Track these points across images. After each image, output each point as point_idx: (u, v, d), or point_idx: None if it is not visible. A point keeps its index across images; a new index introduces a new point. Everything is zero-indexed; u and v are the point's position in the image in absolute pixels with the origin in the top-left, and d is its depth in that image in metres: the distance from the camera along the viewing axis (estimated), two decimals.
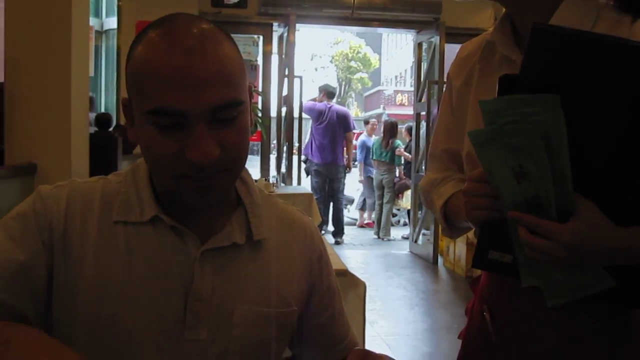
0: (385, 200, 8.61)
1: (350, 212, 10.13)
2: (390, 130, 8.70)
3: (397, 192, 8.74)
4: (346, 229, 8.60)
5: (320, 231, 7.21)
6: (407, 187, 8.53)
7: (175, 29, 0.86)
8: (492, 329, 1.18)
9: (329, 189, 8.10)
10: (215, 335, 0.96)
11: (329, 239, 8.06)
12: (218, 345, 0.96)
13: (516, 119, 0.86)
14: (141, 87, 0.86)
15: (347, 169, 8.31)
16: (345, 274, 2.31)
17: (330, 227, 8.48)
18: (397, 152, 8.52)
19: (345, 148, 8.14)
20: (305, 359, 1.13)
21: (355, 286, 2.32)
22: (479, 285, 1.29)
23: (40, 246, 0.91)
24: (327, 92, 8.06)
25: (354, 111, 38.18)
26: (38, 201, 0.95)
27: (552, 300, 0.98)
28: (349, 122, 8.09)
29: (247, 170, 1.05)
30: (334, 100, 8.28)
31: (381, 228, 8.62)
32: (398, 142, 8.72)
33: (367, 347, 2.49)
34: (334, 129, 7.93)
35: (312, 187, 8.03)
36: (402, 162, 8.62)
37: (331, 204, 8.25)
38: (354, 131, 8.61)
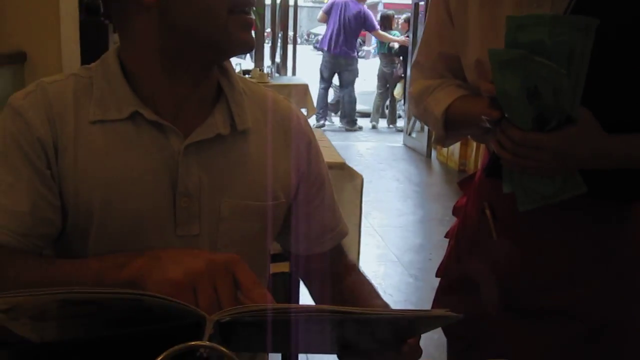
0: (380, 91, 8.68)
1: None
2: (386, 21, 8.58)
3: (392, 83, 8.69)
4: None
5: (321, 120, 7.24)
6: (399, 78, 8.45)
7: None
8: (494, 226, 1.16)
9: (339, 80, 8.28)
10: (206, 230, 0.96)
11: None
12: (209, 240, 0.96)
13: (542, 38, 0.87)
14: None
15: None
16: (342, 167, 2.32)
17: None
18: (377, 37, 8.41)
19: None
20: (293, 249, 1.12)
21: (352, 179, 2.33)
22: (473, 183, 1.28)
23: (37, 171, 0.89)
24: None
25: None
26: (17, 119, 0.90)
27: (523, 206, 1.04)
28: (370, 22, 8.05)
29: (228, 60, 1.02)
30: None
31: (371, 117, 8.74)
32: (395, 32, 8.55)
33: (361, 238, 2.53)
34: (351, 24, 7.91)
35: (321, 76, 8.24)
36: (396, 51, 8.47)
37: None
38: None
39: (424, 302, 3.33)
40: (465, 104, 1.14)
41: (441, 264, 1.35)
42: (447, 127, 1.19)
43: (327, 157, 2.41)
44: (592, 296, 1.10)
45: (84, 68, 0.97)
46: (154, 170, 0.92)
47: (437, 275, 1.35)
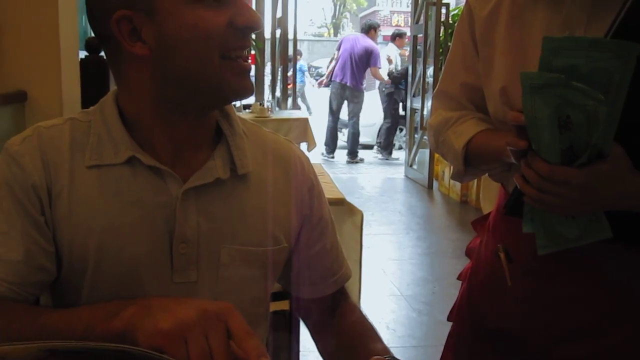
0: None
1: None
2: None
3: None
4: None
5: (331, 154, 7.36)
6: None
7: None
8: (508, 271, 1.09)
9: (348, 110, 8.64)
10: (204, 277, 0.94)
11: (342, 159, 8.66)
12: (208, 287, 0.94)
13: (578, 63, 0.81)
14: None
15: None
16: (342, 202, 2.31)
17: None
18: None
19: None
20: (294, 292, 1.11)
21: (352, 214, 2.31)
22: (487, 224, 1.23)
23: (30, 218, 0.88)
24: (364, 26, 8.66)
25: (348, 31, 37.38)
26: (12, 165, 0.89)
27: (543, 249, 0.98)
28: (374, 58, 8.42)
29: None
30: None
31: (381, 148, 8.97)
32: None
33: (363, 272, 2.49)
34: (359, 58, 8.34)
35: (330, 108, 8.66)
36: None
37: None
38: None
39: (429, 337, 3.29)
40: (487, 137, 1.10)
41: (453, 307, 1.31)
42: (467, 162, 1.15)
43: (327, 193, 2.41)
44: (608, 351, 1.03)
45: (83, 112, 0.97)
46: (150, 216, 0.91)
47: (448, 319, 1.31)
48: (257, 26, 0.88)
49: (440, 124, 1.21)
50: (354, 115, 8.57)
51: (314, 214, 1.06)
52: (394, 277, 4.16)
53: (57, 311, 0.84)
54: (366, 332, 1.05)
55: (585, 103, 0.82)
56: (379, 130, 9.20)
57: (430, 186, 6.85)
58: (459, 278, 1.33)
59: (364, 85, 8.66)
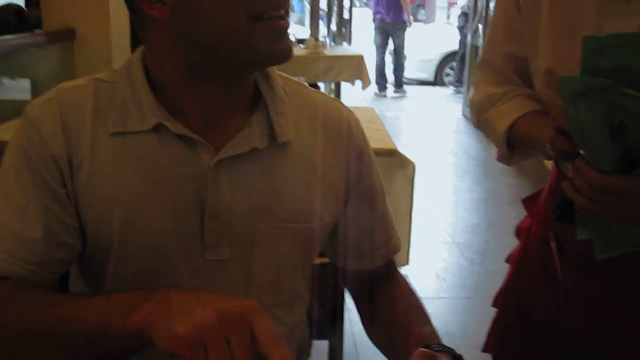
0: None
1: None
2: None
3: None
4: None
5: (382, 91, 7.19)
6: None
7: None
8: (559, 264, 1.00)
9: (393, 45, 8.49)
10: (238, 254, 0.87)
11: (389, 92, 8.62)
12: (242, 265, 0.88)
13: (630, 63, 0.68)
14: None
15: (408, 23, 8.60)
16: (394, 153, 2.20)
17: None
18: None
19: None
20: (340, 263, 1.03)
21: (404, 166, 2.21)
22: (538, 203, 1.12)
23: (50, 191, 0.82)
24: None
25: None
26: (31, 132, 0.82)
27: (602, 254, 0.87)
28: None
29: None
30: None
31: None
32: None
33: (414, 216, 2.38)
34: None
35: (375, 43, 8.53)
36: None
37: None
38: None
39: (480, 288, 3.22)
40: (531, 124, 0.99)
41: (499, 293, 1.22)
42: (511, 146, 1.04)
43: (378, 143, 2.31)
44: None
45: (110, 72, 0.89)
46: (179, 188, 0.84)
47: (493, 305, 1.22)
48: None
49: (482, 102, 1.09)
50: (399, 48, 8.46)
51: (362, 183, 0.97)
52: (447, 223, 4.07)
53: (73, 301, 0.78)
54: (413, 311, 0.98)
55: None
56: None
57: None
58: (507, 261, 1.23)
59: (405, 16, 8.44)
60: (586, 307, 0.99)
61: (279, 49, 0.80)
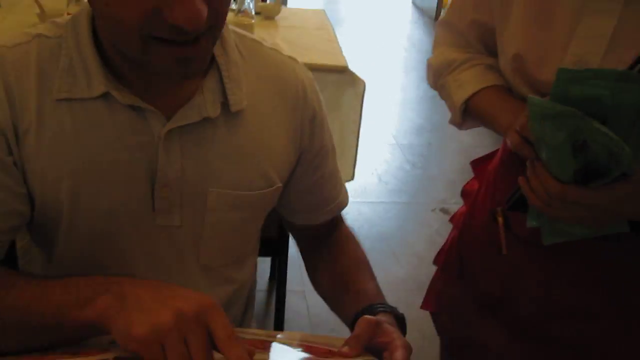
0: None
1: None
2: None
3: None
4: None
5: None
6: None
7: None
8: (504, 240, 1.00)
9: None
10: (189, 222, 0.87)
11: None
12: (192, 231, 0.88)
13: (602, 95, 0.72)
14: None
15: None
16: (344, 71, 2.16)
17: None
18: None
19: None
20: (288, 218, 1.05)
21: (354, 85, 2.18)
22: (487, 170, 1.12)
23: None
24: None
25: None
26: None
27: (549, 240, 0.90)
28: None
29: None
30: None
31: None
32: None
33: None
34: None
35: None
36: None
37: None
38: None
39: (420, 194, 3.31)
40: (491, 103, 0.98)
41: (440, 251, 1.25)
42: (465, 115, 1.04)
43: (328, 58, 2.27)
44: (595, 334, 0.99)
45: (53, 24, 0.83)
46: (129, 157, 0.82)
47: (434, 263, 1.26)
48: (191, 27, 0.66)
49: (441, 66, 1.07)
50: None
51: (314, 144, 0.97)
52: (392, 124, 4.10)
53: (28, 287, 0.76)
54: (358, 266, 1.02)
55: (607, 143, 0.73)
56: None
57: (437, 17, 6.54)
58: (450, 221, 1.25)
59: None
60: (528, 285, 1.02)
61: (177, 72, 0.74)
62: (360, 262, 1.02)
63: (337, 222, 1.07)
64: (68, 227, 0.84)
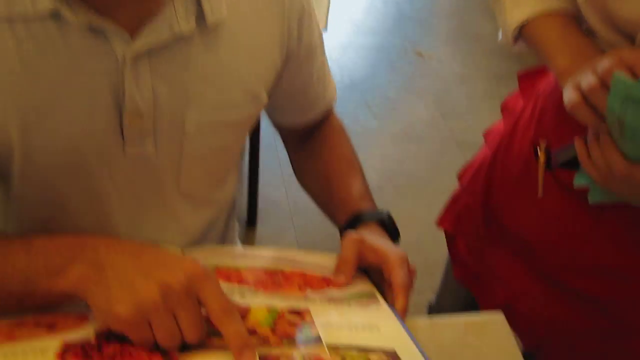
0: None
1: None
2: None
3: None
4: None
5: None
6: None
7: None
8: (542, 180, 0.89)
9: None
10: (165, 150, 0.77)
11: None
12: (169, 159, 0.78)
13: None
14: None
15: None
16: None
17: None
18: None
19: None
20: (274, 119, 0.99)
21: None
22: (537, 90, 0.98)
23: None
24: None
25: None
26: None
27: (595, 199, 0.83)
28: None
29: None
30: None
31: None
32: None
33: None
34: None
35: None
36: None
37: None
38: None
39: (394, 35, 3.13)
40: (547, 36, 0.86)
41: (466, 170, 1.12)
42: (517, 38, 0.92)
43: None
44: (629, 295, 0.94)
45: None
46: (90, 86, 0.68)
47: (458, 180, 1.15)
48: None
49: None
50: None
51: (302, 44, 0.85)
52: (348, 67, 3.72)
53: None
54: (345, 162, 0.98)
55: None
56: None
57: None
58: (484, 136, 1.13)
59: None
60: (561, 233, 0.95)
61: None
62: (345, 159, 0.98)
63: (326, 116, 1.01)
64: (22, 163, 0.72)
